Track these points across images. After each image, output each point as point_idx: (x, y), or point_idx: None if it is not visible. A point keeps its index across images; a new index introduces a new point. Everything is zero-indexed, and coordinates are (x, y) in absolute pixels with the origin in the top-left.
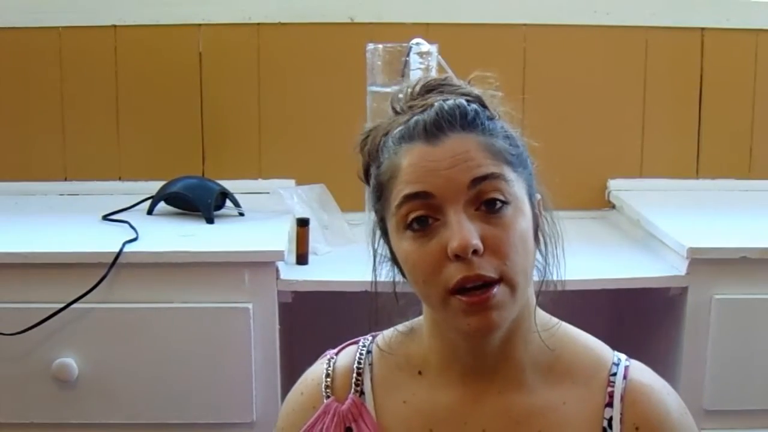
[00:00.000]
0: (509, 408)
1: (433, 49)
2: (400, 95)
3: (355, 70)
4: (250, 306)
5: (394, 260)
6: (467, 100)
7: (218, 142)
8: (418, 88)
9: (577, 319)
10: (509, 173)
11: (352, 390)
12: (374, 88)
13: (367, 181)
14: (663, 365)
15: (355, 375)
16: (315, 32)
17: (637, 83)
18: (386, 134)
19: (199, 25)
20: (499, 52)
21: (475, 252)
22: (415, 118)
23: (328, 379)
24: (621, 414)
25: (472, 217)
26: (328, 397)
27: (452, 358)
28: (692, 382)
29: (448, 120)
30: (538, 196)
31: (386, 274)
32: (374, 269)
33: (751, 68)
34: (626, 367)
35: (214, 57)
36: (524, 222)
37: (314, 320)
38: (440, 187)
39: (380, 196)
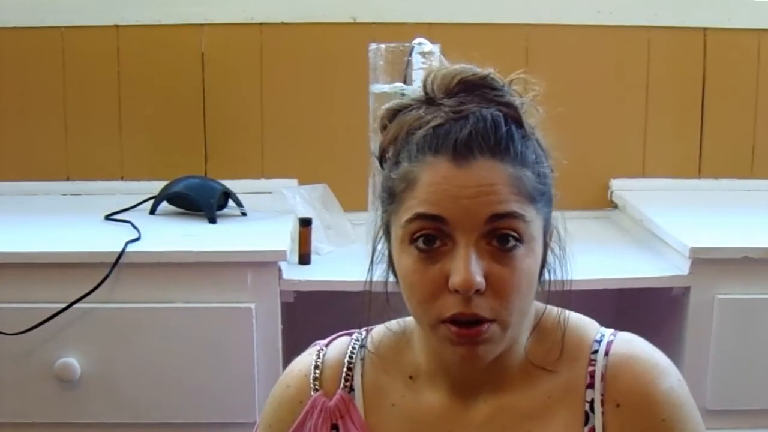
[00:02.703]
0: (496, 414)
1: (435, 48)
2: (436, 80)
3: (358, 69)
4: (252, 306)
5: (391, 264)
6: (505, 115)
7: (221, 141)
8: (454, 82)
9: None
10: (530, 212)
11: (341, 385)
12: (376, 88)
13: (381, 165)
14: None
15: (345, 370)
16: (317, 32)
17: (639, 83)
18: (411, 132)
19: (202, 24)
20: (502, 51)
21: (476, 291)
22: (446, 128)
23: (317, 371)
24: (602, 394)
25: (481, 252)
26: (316, 390)
27: (442, 369)
28: (695, 381)
29: (481, 142)
30: (554, 227)
31: (381, 273)
32: (371, 267)
33: (754, 68)
34: (609, 343)
35: (216, 57)
36: (533, 263)
37: (317, 320)
38: (456, 216)
39: (391, 200)
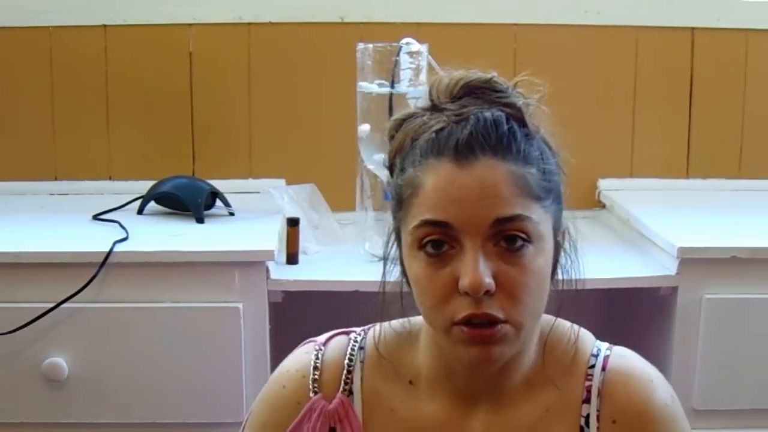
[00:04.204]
0: (493, 427)
1: (423, 48)
2: (440, 86)
3: (345, 69)
4: (240, 306)
5: (404, 270)
6: (507, 114)
7: (208, 141)
8: (458, 86)
9: (567, 318)
10: (537, 212)
11: (341, 389)
12: (364, 88)
13: (391, 174)
14: (653, 365)
15: (345, 372)
16: (305, 32)
17: (627, 83)
18: (415, 138)
19: (190, 24)
20: (490, 51)
21: (486, 292)
22: (447, 130)
23: (316, 373)
24: (598, 409)
25: (489, 253)
26: (315, 392)
27: (446, 375)
28: (682, 381)
29: (482, 141)
30: (565, 226)
31: (396, 278)
32: (384, 275)
33: (742, 68)
34: (606, 357)
35: (204, 57)
36: (543, 262)
37: (304, 320)
38: (461, 220)
39: (399, 207)
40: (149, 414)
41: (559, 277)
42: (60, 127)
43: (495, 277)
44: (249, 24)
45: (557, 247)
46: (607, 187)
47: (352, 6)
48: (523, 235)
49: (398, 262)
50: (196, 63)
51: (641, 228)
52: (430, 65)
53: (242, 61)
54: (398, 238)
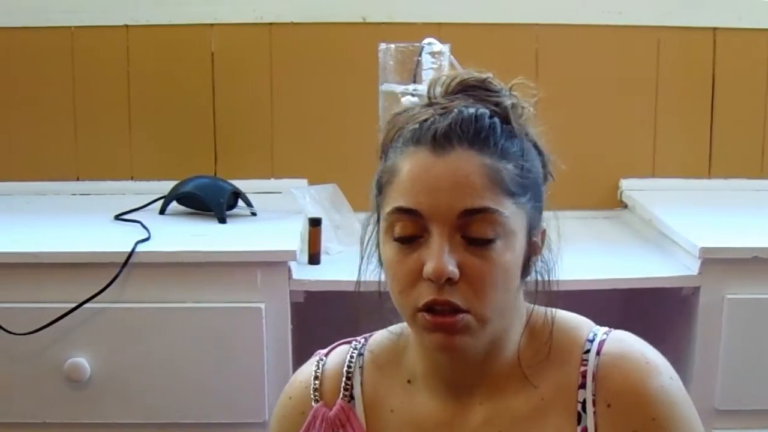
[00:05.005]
0: (491, 418)
1: (445, 48)
2: (438, 84)
3: (367, 69)
4: (262, 306)
5: (380, 257)
6: (493, 112)
7: (230, 141)
8: (453, 84)
9: (590, 318)
10: (508, 206)
11: (341, 395)
12: (386, 88)
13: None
14: (675, 365)
15: (344, 379)
16: (327, 32)
17: (649, 83)
18: (401, 128)
19: (212, 24)
20: (512, 51)
21: (450, 280)
22: (430, 120)
23: (317, 382)
24: (593, 394)
25: (456, 243)
26: (316, 401)
27: (434, 369)
28: (704, 381)
29: (460, 133)
30: (543, 226)
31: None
32: (360, 264)
33: (764, 67)
34: (601, 342)
35: (226, 57)
36: (511, 257)
37: (326, 320)
38: (431, 208)
39: (378, 192)
40: (171, 414)
41: (534, 276)
42: (82, 128)
43: (460, 267)
44: (271, 24)
45: (532, 246)
46: (629, 187)
47: (374, 6)
48: (490, 233)
49: (376, 249)
50: (218, 63)
51: (663, 228)
52: (451, 65)
53: (264, 61)
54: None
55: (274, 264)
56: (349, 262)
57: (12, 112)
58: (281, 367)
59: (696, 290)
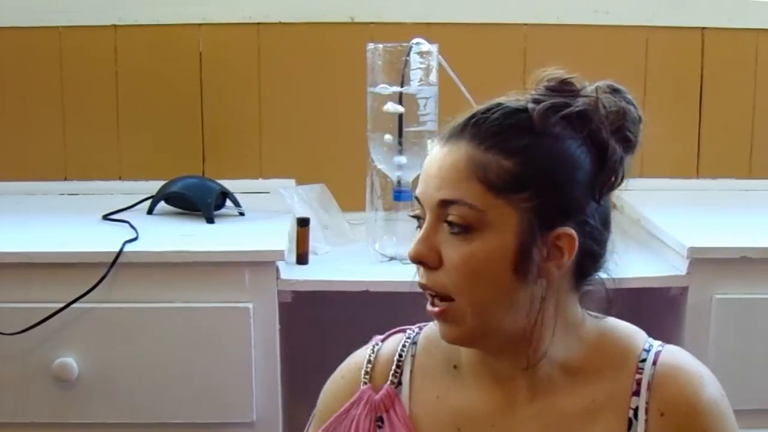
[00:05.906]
0: (538, 413)
1: (433, 48)
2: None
3: (356, 69)
4: (250, 306)
5: None
6: (529, 109)
7: (218, 141)
8: (542, 81)
9: None
10: (487, 200)
11: (389, 380)
12: (374, 88)
13: None
14: None
15: (394, 366)
16: (315, 32)
17: (637, 83)
18: None
19: (200, 24)
20: (500, 51)
21: (425, 265)
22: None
23: (369, 366)
24: (647, 402)
25: (444, 231)
26: (365, 383)
27: (480, 357)
28: None
29: (466, 124)
30: (566, 230)
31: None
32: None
33: (752, 68)
34: (657, 353)
35: (214, 57)
36: (494, 252)
37: (314, 320)
38: (422, 195)
39: None
40: (159, 414)
41: (533, 273)
42: (70, 127)
43: (442, 255)
44: (259, 24)
45: (530, 245)
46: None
47: (363, 6)
48: (461, 222)
49: None
50: (206, 63)
51: (651, 228)
52: (440, 65)
53: (252, 61)
54: None
55: (262, 264)
56: (337, 262)
57: (0, 113)
58: (269, 367)
59: (684, 290)
